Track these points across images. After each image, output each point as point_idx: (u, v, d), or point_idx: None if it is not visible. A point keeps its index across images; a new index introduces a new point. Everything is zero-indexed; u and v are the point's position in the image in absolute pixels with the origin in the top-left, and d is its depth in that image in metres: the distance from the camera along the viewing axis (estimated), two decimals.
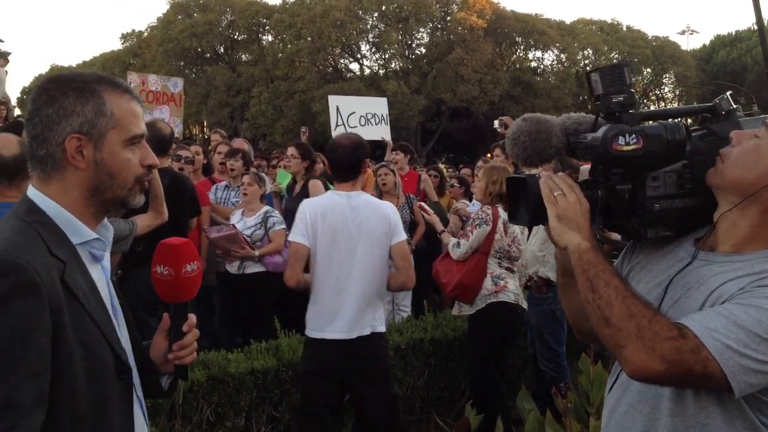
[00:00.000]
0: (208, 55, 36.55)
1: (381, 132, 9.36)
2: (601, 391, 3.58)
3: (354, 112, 9.58)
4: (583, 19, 39.45)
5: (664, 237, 1.66)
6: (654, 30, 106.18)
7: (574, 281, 1.60)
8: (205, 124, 32.44)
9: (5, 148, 2.83)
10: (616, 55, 36.45)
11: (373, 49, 36.87)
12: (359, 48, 37.02)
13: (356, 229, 3.57)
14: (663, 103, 39.51)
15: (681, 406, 1.53)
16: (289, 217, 5.82)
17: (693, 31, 68.20)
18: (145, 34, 39.67)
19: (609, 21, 39.63)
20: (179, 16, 36.31)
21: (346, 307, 3.54)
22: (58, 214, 1.48)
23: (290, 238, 3.70)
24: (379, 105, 10.12)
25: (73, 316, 1.40)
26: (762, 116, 1.69)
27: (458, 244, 4.62)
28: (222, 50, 38.42)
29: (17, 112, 16.76)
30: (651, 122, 1.69)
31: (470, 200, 7.20)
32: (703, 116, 1.74)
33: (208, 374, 3.88)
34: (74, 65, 47.30)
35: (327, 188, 5.98)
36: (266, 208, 5.69)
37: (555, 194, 1.63)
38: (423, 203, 6.33)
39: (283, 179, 6.62)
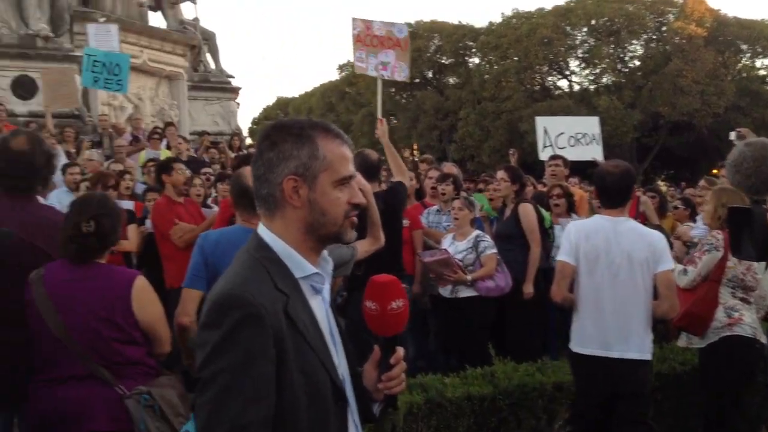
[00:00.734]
0: (417, 80, 37.80)
1: (592, 152, 9.01)
2: None
3: (563, 133, 9.31)
4: None
5: None
6: None
7: None
8: (414, 147, 33.55)
9: (249, 178, 2.99)
10: None
11: (582, 65, 35.90)
12: (567, 64, 36.24)
13: (619, 252, 3.70)
14: None
15: None
16: (499, 241, 5.82)
17: None
18: None
19: None
20: None
21: (607, 327, 3.70)
22: (283, 250, 1.62)
23: (557, 257, 3.97)
24: (589, 124, 9.73)
25: (295, 345, 1.52)
26: None
27: (685, 270, 4.30)
28: (430, 75, 39.62)
29: (248, 141, 18.62)
30: None
31: (694, 221, 6.70)
32: None
33: (426, 397, 3.94)
34: (297, 95, 51.75)
35: (538, 212, 5.89)
36: (477, 232, 5.73)
37: None
38: None
39: (480, 203, 6.63)
